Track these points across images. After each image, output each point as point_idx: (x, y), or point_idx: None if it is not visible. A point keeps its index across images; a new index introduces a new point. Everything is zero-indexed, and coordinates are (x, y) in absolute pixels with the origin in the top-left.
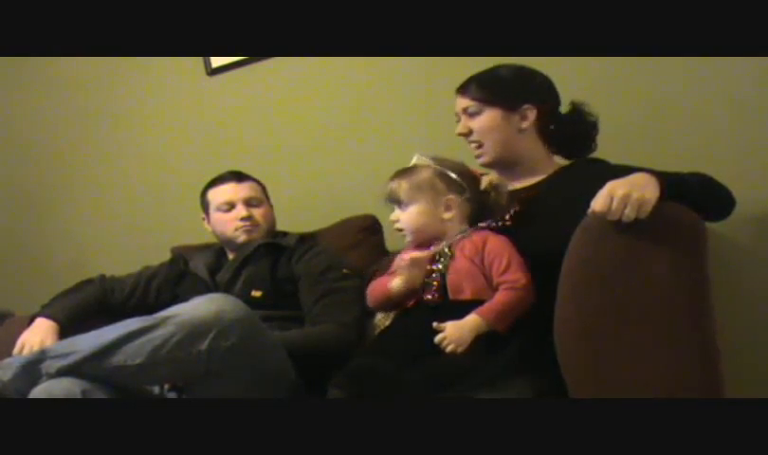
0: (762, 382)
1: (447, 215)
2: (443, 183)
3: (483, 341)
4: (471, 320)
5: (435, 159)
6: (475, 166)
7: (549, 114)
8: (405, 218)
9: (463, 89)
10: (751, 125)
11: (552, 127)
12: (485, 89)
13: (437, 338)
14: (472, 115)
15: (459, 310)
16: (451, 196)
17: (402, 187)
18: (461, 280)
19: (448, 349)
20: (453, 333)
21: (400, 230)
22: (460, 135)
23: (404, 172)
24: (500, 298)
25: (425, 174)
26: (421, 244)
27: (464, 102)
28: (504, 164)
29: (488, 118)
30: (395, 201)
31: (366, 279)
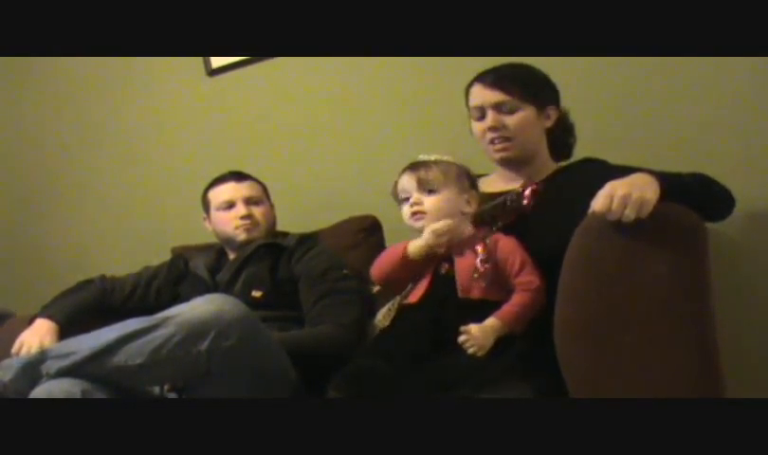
0: (762, 382)
1: (467, 209)
2: (467, 179)
3: None
4: (492, 323)
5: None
6: (475, 165)
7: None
8: (433, 202)
9: (493, 82)
10: (751, 125)
11: (557, 130)
12: (523, 86)
13: (460, 339)
14: (509, 111)
15: (467, 309)
16: (474, 192)
17: (434, 173)
18: (470, 278)
19: (471, 351)
20: (478, 335)
21: (418, 214)
22: (492, 128)
23: (430, 162)
24: (516, 300)
25: (453, 167)
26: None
27: (497, 96)
28: (521, 162)
29: (526, 115)
30: (425, 186)
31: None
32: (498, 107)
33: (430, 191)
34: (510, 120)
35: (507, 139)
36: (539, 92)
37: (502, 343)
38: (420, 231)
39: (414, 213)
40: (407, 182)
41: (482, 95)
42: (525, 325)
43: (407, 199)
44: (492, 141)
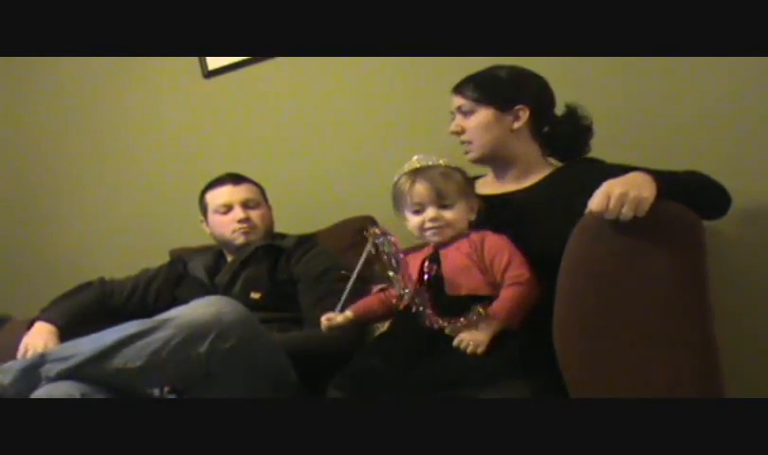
0: (762, 382)
1: (472, 217)
2: (469, 186)
3: None
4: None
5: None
6: (473, 166)
7: (542, 116)
8: (454, 217)
9: (458, 88)
10: (747, 123)
11: (546, 129)
12: (480, 89)
13: (455, 342)
14: (466, 113)
15: (456, 306)
16: (475, 199)
17: (451, 187)
18: (458, 276)
19: (469, 350)
20: (467, 335)
21: (436, 229)
22: (453, 133)
23: (440, 173)
24: (506, 294)
25: (459, 176)
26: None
27: (458, 101)
28: (494, 163)
29: (481, 117)
30: (443, 200)
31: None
32: (460, 111)
33: (446, 205)
34: (468, 123)
35: (467, 142)
36: (499, 93)
37: (501, 342)
38: (433, 242)
39: (432, 227)
40: (423, 193)
41: (452, 101)
42: (521, 319)
43: (418, 210)
44: (462, 144)
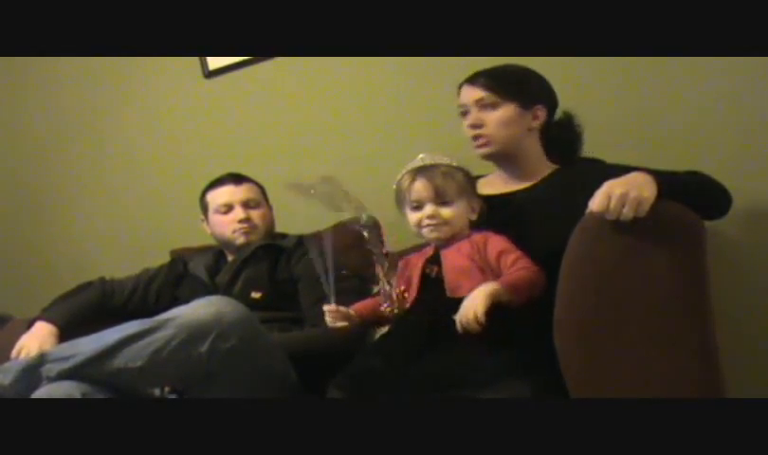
0: (762, 382)
1: (473, 217)
2: (471, 186)
3: (483, 341)
4: (484, 285)
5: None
6: (470, 160)
7: (551, 117)
8: (452, 215)
9: (477, 81)
10: (748, 123)
11: (549, 131)
12: (504, 83)
13: (456, 317)
14: (487, 107)
15: (456, 307)
16: (477, 198)
17: (451, 185)
18: (458, 277)
19: (470, 316)
20: (464, 304)
21: (433, 226)
22: (472, 126)
23: (440, 170)
24: (515, 272)
25: (461, 175)
26: (443, 243)
27: (477, 93)
28: (505, 160)
29: (505, 111)
30: (441, 197)
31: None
32: (479, 104)
33: (444, 203)
34: (490, 117)
35: (486, 136)
36: (523, 90)
37: (501, 342)
38: (430, 239)
39: (429, 225)
40: (422, 190)
41: (466, 93)
42: (524, 298)
43: (417, 208)
44: (474, 138)
